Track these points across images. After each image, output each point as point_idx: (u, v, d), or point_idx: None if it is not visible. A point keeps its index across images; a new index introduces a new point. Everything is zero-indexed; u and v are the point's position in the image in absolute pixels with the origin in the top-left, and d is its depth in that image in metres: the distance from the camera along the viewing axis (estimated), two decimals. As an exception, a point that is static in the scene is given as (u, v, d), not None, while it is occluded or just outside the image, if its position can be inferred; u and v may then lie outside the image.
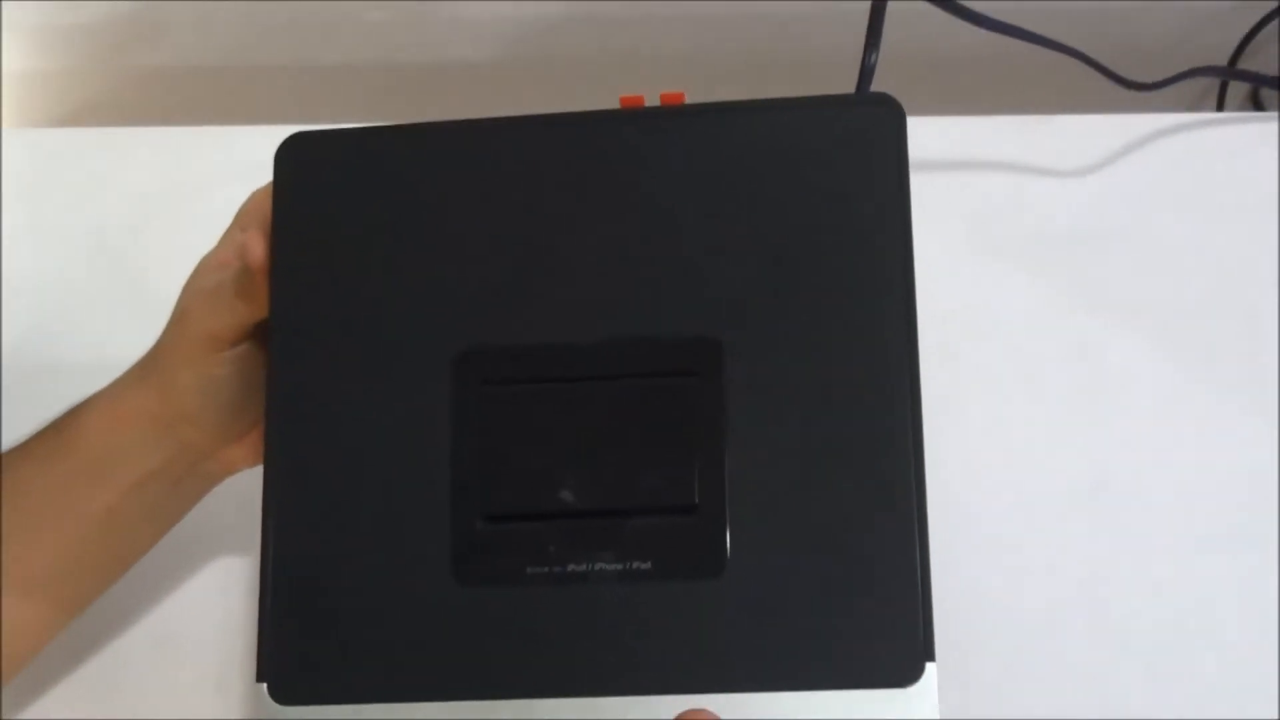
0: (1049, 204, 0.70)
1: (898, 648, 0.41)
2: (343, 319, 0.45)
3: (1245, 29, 0.80)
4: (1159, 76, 0.70)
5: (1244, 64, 0.81)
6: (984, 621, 0.59)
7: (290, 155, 0.47)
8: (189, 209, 0.71)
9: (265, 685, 0.43)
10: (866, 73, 0.52)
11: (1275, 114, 0.74)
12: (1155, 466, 0.63)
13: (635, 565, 0.42)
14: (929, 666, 0.41)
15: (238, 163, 0.72)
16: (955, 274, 0.66)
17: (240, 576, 0.62)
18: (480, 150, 0.46)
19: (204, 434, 0.50)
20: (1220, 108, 0.82)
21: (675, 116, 0.46)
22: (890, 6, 0.53)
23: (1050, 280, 0.67)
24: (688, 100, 0.47)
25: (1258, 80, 0.77)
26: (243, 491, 0.54)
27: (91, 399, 0.52)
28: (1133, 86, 0.70)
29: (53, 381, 0.67)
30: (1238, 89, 0.82)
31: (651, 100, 0.47)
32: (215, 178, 0.72)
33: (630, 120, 0.46)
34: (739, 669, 0.42)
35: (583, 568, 0.42)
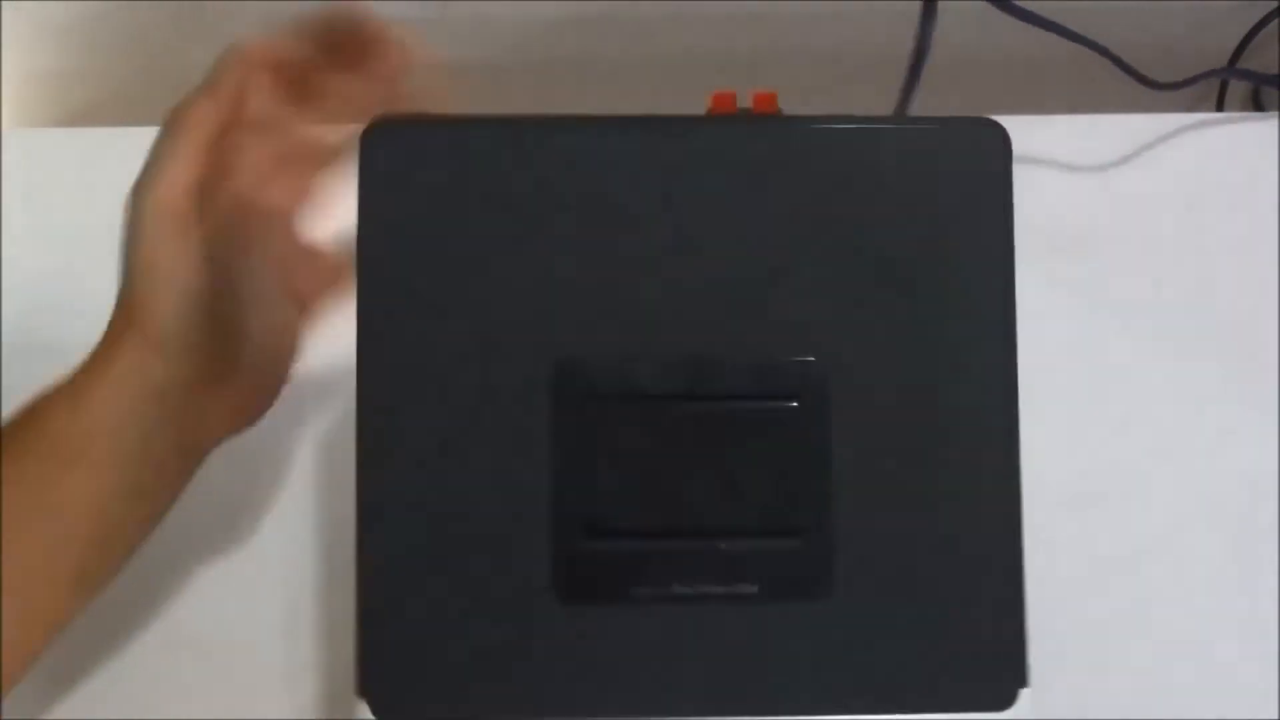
0: (1049, 204, 0.70)
1: (995, 674, 0.43)
2: (435, 325, 0.44)
3: (1245, 29, 0.80)
4: (1159, 77, 0.70)
5: (1244, 64, 0.81)
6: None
7: (378, 144, 0.45)
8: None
9: (366, 702, 0.43)
10: (920, 53, 0.52)
11: (1275, 114, 0.74)
12: (1155, 466, 0.63)
13: (741, 588, 0.43)
14: (1023, 693, 0.43)
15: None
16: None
17: (259, 574, 0.62)
18: (576, 151, 0.45)
19: (176, 364, 0.48)
20: (1220, 108, 0.82)
21: (782, 127, 0.46)
22: (899, 6, 0.54)
23: (1050, 280, 0.67)
24: (777, 102, 0.47)
25: (1270, 82, 0.76)
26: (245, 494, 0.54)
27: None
28: (1155, 86, 0.70)
29: (53, 381, 0.67)
30: (1237, 89, 0.82)
31: (743, 97, 0.47)
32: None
33: (731, 128, 0.45)
34: (841, 693, 0.42)
35: (688, 590, 0.43)
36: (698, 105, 0.47)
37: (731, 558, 0.43)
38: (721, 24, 0.79)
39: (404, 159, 0.45)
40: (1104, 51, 0.67)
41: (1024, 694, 0.43)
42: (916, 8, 0.53)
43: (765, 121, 0.46)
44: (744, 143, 0.45)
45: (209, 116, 0.47)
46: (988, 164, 0.45)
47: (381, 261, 0.45)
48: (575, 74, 0.82)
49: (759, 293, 0.44)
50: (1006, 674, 0.43)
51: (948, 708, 0.43)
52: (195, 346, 0.48)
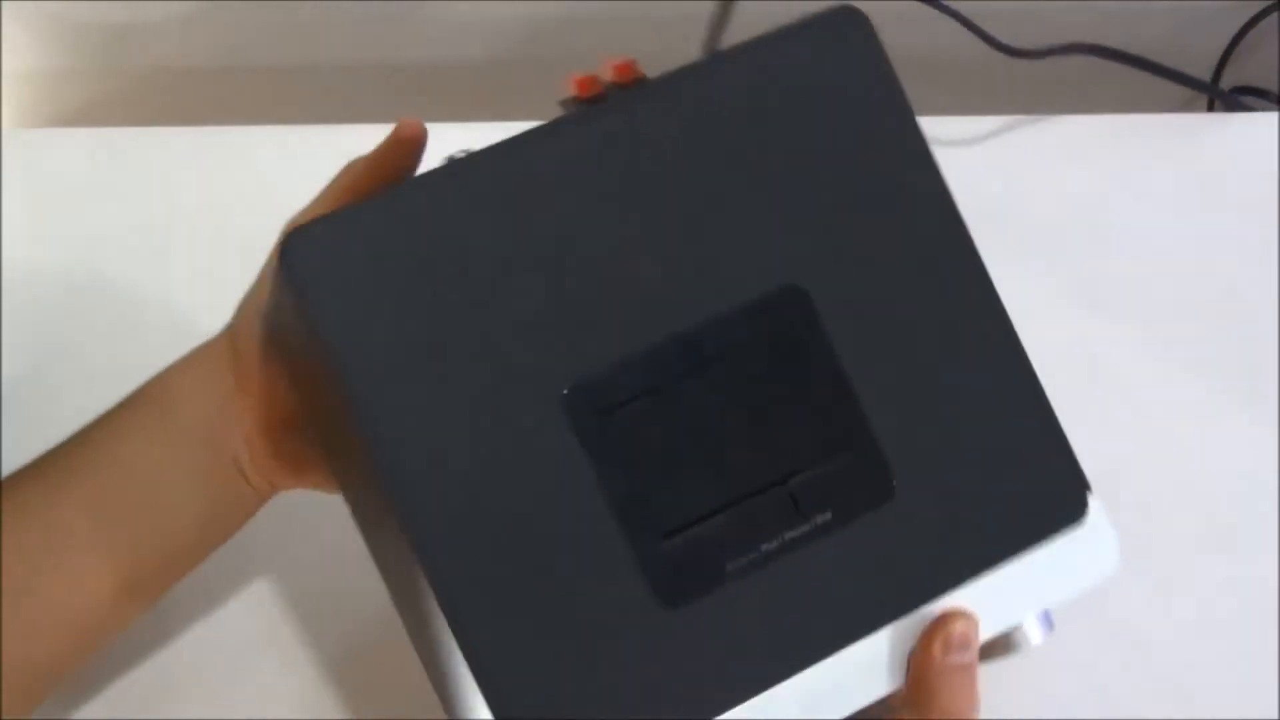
0: (1047, 203, 0.71)
1: (1060, 492, 0.46)
2: (435, 391, 0.43)
3: (1232, 32, 0.81)
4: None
5: (1231, 66, 0.82)
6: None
7: (304, 250, 0.42)
8: (189, 209, 0.71)
9: None
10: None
11: (1272, 114, 0.74)
12: (1155, 466, 0.63)
13: (819, 519, 0.44)
14: (1093, 500, 0.46)
15: (238, 163, 0.73)
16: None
17: (259, 575, 0.62)
18: (487, 186, 0.44)
19: (249, 376, 0.49)
20: (1211, 108, 0.83)
21: (658, 89, 0.46)
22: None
23: (1048, 280, 0.68)
24: (638, 67, 0.47)
25: (1142, 65, 0.75)
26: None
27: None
28: (1011, 53, 0.73)
29: (52, 382, 0.67)
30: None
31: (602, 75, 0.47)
32: (215, 178, 0.72)
33: (622, 106, 0.45)
34: (941, 572, 0.44)
35: (775, 543, 0.43)
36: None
37: (799, 496, 0.44)
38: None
39: (340, 252, 0.43)
40: (955, 15, 0.70)
41: (1095, 501, 0.46)
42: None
43: (643, 88, 0.46)
44: (640, 116, 0.45)
45: (359, 170, 0.50)
46: (859, 44, 0.46)
47: (360, 354, 0.43)
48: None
49: (714, 249, 0.45)
50: (1068, 488, 0.46)
51: (1033, 540, 0.45)
52: (271, 369, 0.49)
